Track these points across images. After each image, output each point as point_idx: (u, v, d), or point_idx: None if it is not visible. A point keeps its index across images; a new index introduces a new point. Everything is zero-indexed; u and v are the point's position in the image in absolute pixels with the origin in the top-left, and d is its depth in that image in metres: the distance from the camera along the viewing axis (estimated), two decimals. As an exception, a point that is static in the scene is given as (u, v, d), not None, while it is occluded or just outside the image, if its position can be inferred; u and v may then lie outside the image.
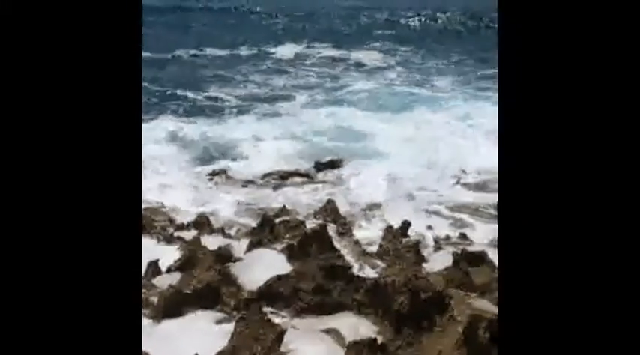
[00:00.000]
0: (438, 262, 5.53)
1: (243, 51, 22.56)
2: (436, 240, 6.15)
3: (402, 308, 4.26)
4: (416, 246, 5.68)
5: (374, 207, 7.43)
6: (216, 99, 15.45)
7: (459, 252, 5.37)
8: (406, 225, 6.12)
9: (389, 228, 6.02)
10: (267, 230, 5.68)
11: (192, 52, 22.08)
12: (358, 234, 6.31)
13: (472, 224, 7.34)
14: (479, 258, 5.21)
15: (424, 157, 10.69)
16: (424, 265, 5.54)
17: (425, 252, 5.81)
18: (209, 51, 22.33)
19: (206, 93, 15.87)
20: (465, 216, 7.49)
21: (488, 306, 4.46)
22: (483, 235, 6.48)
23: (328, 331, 4.27)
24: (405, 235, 6.03)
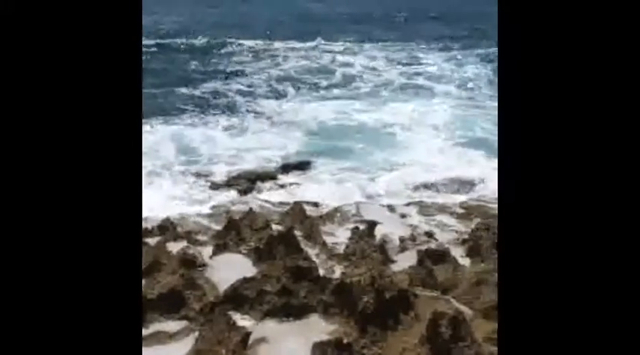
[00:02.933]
0: (405, 261, 5.60)
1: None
2: (402, 240, 6.21)
3: (367, 307, 4.29)
4: (382, 246, 5.75)
5: (342, 208, 7.45)
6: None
7: (424, 250, 5.45)
8: (372, 225, 6.18)
9: (355, 229, 6.06)
10: (233, 233, 5.66)
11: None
12: (325, 235, 6.32)
13: (438, 222, 7.43)
14: (442, 256, 5.29)
15: (394, 155, 10.84)
16: (391, 265, 5.61)
17: (391, 252, 5.88)
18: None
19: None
20: (431, 216, 7.57)
21: (450, 303, 4.54)
22: (448, 234, 6.58)
23: (294, 332, 4.28)
24: (372, 236, 6.09)
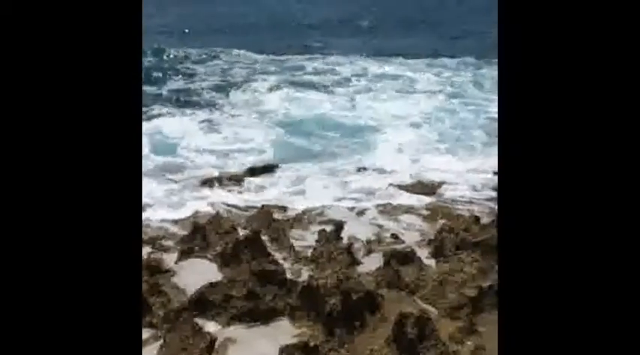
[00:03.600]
0: (371, 263, 5.65)
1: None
2: (368, 241, 6.26)
3: (334, 309, 4.32)
4: (349, 249, 5.78)
5: (309, 210, 7.47)
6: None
7: (390, 252, 5.51)
8: (339, 227, 6.21)
9: (322, 232, 6.08)
10: (198, 238, 5.61)
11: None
12: (292, 238, 6.32)
13: (404, 224, 7.51)
14: (408, 257, 5.36)
15: (363, 155, 10.90)
16: (357, 267, 5.65)
17: (358, 254, 5.92)
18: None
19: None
20: (397, 217, 7.66)
21: (416, 303, 4.61)
22: (414, 235, 6.66)
23: (261, 336, 4.27)
24: (338, 238, 6.11)
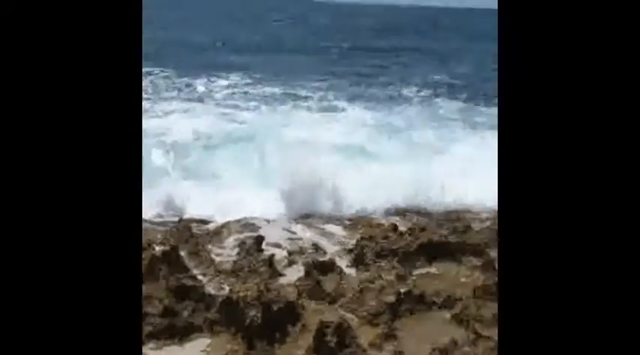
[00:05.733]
0: (293, 274, 5.64)
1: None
2: (290, 253, 6.24)
3: (254, 322, 4.25)
4: (270, 261, 5.73)
5: (229, 224, 7.34)
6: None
7: (311, 262, 5.53)
8: (260, 239, 6.15)
9: (242, 244, 5.99)
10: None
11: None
12: (212, 253, 6.18)
13: (325, 234, 7.58)
14: (329, 267, 5.40)
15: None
16: (279, 278, 5.61)
17: (279, 265, 5.88)
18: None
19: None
20: (318, 228, 7.71)
21: (337, 312, 4.64)
22: (334, 245, 6.72)
23: (178, 353, 4.12)
24: (260, 250, 6.05)
